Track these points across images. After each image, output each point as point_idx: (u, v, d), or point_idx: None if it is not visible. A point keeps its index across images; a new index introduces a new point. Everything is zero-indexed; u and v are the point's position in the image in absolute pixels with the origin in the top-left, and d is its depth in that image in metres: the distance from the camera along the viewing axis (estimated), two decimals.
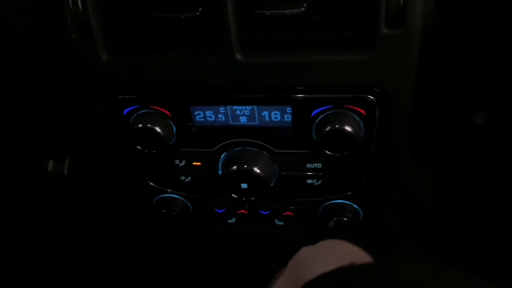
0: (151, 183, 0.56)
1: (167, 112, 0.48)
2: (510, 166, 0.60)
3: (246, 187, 0.51)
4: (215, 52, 0.43)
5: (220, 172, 0.52)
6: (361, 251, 0.42)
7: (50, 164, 0.62)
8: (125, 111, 0.49)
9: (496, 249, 0.66)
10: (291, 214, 0.57)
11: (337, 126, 0.45)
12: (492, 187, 0.63)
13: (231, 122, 0.49)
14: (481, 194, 0.64)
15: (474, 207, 0.66)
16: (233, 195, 0.52)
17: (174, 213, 0.57)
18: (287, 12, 0.41)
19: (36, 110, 0.55)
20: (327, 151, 0.47)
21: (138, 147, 0.50)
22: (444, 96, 0.55)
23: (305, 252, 0.43)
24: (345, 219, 0.54)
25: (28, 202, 0.64)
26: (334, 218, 0.54)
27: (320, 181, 0.52)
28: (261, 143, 0.50)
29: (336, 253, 0.42)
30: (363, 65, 0.42)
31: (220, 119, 0.49)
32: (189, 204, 0.58)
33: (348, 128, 0.45)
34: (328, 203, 0.54)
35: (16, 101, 0.54)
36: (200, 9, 0.42)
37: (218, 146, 0.51)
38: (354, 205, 0.54)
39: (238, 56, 0.43)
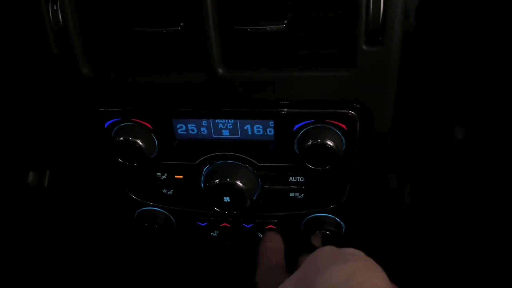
0: (133, 196, 0.56)
1: (148, 125, 0.48)
2: (489, 179, 0.61)
3: (229, 200, 0.50)
4: (197, 68, 0.43)
5: (202, 185, 0.52)
6: (386, 280, 0.37)
7: (30, 176, 0.61)
8: (107, 124, 0.48)
9: (475, 260, 0.67)
10: (274, 227, 0.57)
11: (318, 140, 0.45)
12: (472, 200, 0.64)
13: (213, 136, 0.49)
14: (461, 206, 0.65)
15: (454, 219, 0.67)
16: (215, 208, 0.52)
17: (156, 226, 0.56)
18: (268, 28, 0.41)
19: (16, 121, 0.54)
20: (309, 165, 0.47)
21: (119, 160, 0.49)
22: (424, 111, 0.56)
23: (323, 259, 0.38)
24: (328, 232, 0.54)
25: (6, 214, 0.63)
26: (317, 232, 0.54)
27: (302, 195, 0.52)
28: (244, 156, 0.50)
29: (356, 273, 0.35)
30: (344, 81, 0.43)
31: (202, 132, 0.49)
32: (171, 217, 0.57)
33: (329, 143, 0.45)
34: (311, 216, 0.55)
35: None
36: (181, 24, 0.42)
37: (201, 159, 0.51)
38: (337, 219, 0.54)
39: (220, 71, 0.43)
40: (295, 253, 0.62)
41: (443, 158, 0.60)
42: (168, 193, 0.54)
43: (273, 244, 0.53)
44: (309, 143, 0.45)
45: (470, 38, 0.48)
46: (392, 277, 0.67)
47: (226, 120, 0.48)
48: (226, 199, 0.50)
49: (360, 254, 0.39)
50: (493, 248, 0.65)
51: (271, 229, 0.57)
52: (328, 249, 0.39)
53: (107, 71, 0.45)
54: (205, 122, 0.48)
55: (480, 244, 0.66)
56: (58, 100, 0.50)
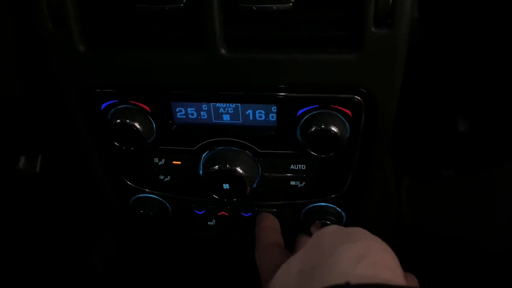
0: (128, 182, 0.54)
1: (147, 107, 0.46)
2: (488, 176, 0.60)
3: (228, 187, 0.49)
4: (198, 47, 0.42)
5: (201, 172, 0.50)
6: (397, 261, 0.35)
7: (22, 161, 0.59)
8: (103, 106, 0.47)
9: (471, 260, 0.66)
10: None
11: (322, 126, 0.44)
12: (468, 199, 0.63)
13: (213, 120, 0.48)
14: (458, 206, 0.64)
15: (451, 218, 0.66)
16: (214, 195, 0.50)
17: (151, 214, 0.54)
18: (274, 7, 0.39)
19: (6, 104, 0.52)
20: (312, 152, 0.46)
21: (115, 143, 0.48)
22: (427, 100, 0.55)
23: (330, 238, 0.36)
24: (328, 222, 0.52)
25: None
26: (317, 221, 0.53)
27: (303, 183, 0.51)
28: (245, 142, 0.48)
29: (368, 254, 0.33)
30: (350, 64, 0.41)
31: (202, 117, 0.47)
32: (168, 205, 0.56)
33: (334, 129, 0.44)
34: (311, 205, 0.53)
35: None
36: (184, 0, 0.40)
37: (200, 144, 0.49)
38: (338, 208, 0.53)
39: (223, 52, 0.42)
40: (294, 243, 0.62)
41: (442, 156, 0.59)
42: (165, 179, 0.53)
43: (269, 223, 0.52)
44: (313, 129, 0.44)
45: (472, 32, 0.47)
46: None
47: (227, 104, 0.46)
48: (226, 186, 0.49)
49: (369, 233, 0.37)
50: (489, 249, 0.65)
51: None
52: (335, 228, 0.37)
53: (104, 50, 0.43)
54: (205, 106, 0.47)
55: (476, 245, 0.65)
56: (51, 81, 0.48)
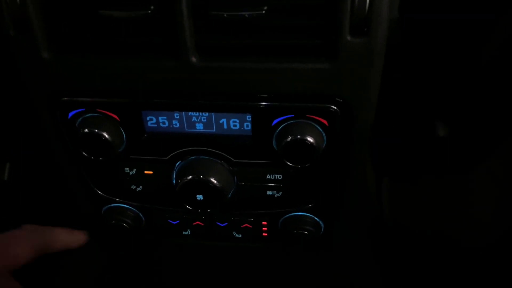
0: (99, 192, 0.52)
1: (116, 116, 0.44)
2: (466, 178, 0.60)
3: (202, 198, 0.47)
4: (168, 55, 0.40)
5: (174, 182, 0.49)
6: None
7: None
8: (70, 114, 0.45)
9: (451, 259, 0.66)
10: (249, 226, 0.54)
11: (298, 136, 0.42)
12: (447, 199, 0.63)
13: (186, 129, 0.46)
14: (437, 206, 0.64)
15: (430, 218, 0.66)
16: (187, 206, 0.49)
17: (124, 224, 0.53)
18: (246, 14, 0.38)
19: None
20: (288, 163, 0.44)
21: (84, 153, 0.46)
22: (406, 105, 0.54)
23: None
24: (306, 232, 0.51)
25: None
26: (295, 231, 0.52)
27: (280, 193, 0.50)
28: (219, 152, 0.47)
29: None
30: (326, 74, 0.40)
31: (174, 126, 0.46)
32: (141, 215, 0.54)
33: (310, 139, 0.42)
34: (288, 215, 0.52)
35: None
36: (152, 7, 0.38)
37: (172, 154, 0.47)
38: (316, 218, 0.52)
39: (194, 60, 0.40)
40: (272, 253, 0.61)
41: (421, 159, 0.59)
42: (137, 189, 0.51)
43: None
44: (288, 139, 0.43)
45: (453, 35, 0.46)
46: (368, 278, 0.65)
47: (200, 113, 0.45)
48: (199, 197, 0.47)
49: None
50: (466, 246, 0.65)
51: (246, 228, 0.54)
52: None
53: (69, 56, 0.41)
54: (177, 114, 0.45)
55: (455, 244, 0.65)
56: (18, 87, 0.46)
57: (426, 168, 0.60)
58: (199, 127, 0.46)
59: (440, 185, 0.63)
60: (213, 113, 0.45)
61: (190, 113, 0.45)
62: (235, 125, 0.45)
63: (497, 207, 0.60)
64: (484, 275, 0.64)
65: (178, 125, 0.46)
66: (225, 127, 0.45)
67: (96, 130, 0.44)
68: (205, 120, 0.45)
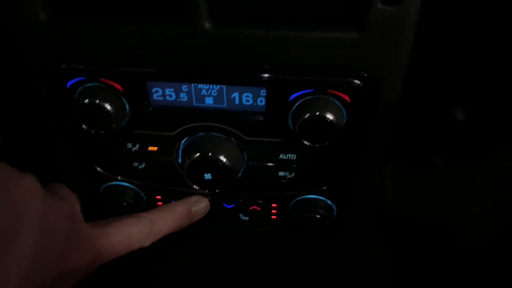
0: (98, 169, 0.49)
1: (119, 87, 0.41)
2: (478, 167, 0.58)
3: (210, 178, 0.44)
4: (179, 20, 0.36)
5: (180, 160, 0.45)
6: None
7: None
8: (69, 84, 0.41)
9: (450, 249, 0.65)
10: (258, 208, 0.51)
11: (317, 113, 0.39)
12: (450, 191, 0.61)
13: (194, 104, 0.43)
14: (440, 196, 0.62)
15: (432, 208, 0.64)
16: (194, 186, 0.45)
17: (124, 203, 0.49)
18: None
19: None
20: (304, 142, 0.41)
21: (83, 127, 0.42)
22: (425, 86, 0.51)
23: None
24: (318, 216, 0.49)
25: None
26: (306, 215, 0.49)
27: (293, 174, 0.47)
28: (229, 128, 0.43)
29: None
30: (351, 45, 0.37)
31: (182, 99, 0.42)
32: (142, 194, 0.51)
33: (329, 116, 0.39)
34: (299, 198, 0.49)
35: None
36: None
37: (179, 130, 0.44)
38: (328, 201, 0.49)
39: (207, 26, 0.36)
40: (281, 238, 0.58)
41: (434, 144, 0.56)
42: (140, 167, 0.48)
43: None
44: (306, 116, 0.39)
45: (484, 12, 0.43)
46: (378, 264, 0.63)
47: (211, 86, 0.41)
48: (207, 176, 0.44)
49: None
50: (468, 242, 0.63)
51: (254, 210, 0.51)
52: None
53: (70, 18, 0.37)
54: (186, 87, 0.41)
55: (453, 238, 0.64)
56: (13, 54, 0.42)
57: (437, 154, 0.58)
58: (209, 101, 0.42)
59: (448, 174, 0.61)
60: (224, 86, 0.41)
61: (199, 85, 0.41)
62: (247, 100, 0.42)
63: (498, 204, 0.58)
64: (478, 273, 0.63)
65: (186, 99, 0.42)
66: (237, 102, 0.42)
67: (97, 101, 0.40)
68: (216, 94, 0.42)
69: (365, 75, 0.39)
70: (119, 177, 0.49)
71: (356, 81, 0.39)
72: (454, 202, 0.62)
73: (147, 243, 0.40)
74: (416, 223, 0.65)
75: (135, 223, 0.39)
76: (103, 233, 0.36)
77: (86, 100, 0.40)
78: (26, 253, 0.28)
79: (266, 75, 0.39)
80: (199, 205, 0.47)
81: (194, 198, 0.47)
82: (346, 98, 0.40)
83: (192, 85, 0.41)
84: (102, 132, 0.42)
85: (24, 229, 0.28)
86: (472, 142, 0.54)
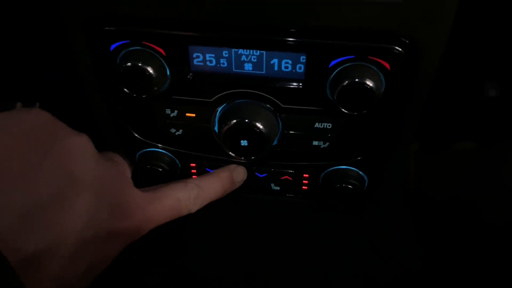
0: (136, 135, 0.50)
1: (161, 50, 0.41)
2: (506, 148, 0.58)
3: (246, 144, 0.45)
4: None
5: (216, 126, 0.46)
6: None
7: (18, 107, 0.54)
8: (112, 47, 0.42)
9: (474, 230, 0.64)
10: (289, 178, 0.52)
11: (357, 80, 0.39)
12: (482, 169, 0.61)
13: (234, 70, 0.43)
14: (469, 174, 0.62)
15: (459, 187, 0.64)
16: (230, 153, 0.46)
17: (160, 169, 0.50)
18: None
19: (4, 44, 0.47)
20: (342, 109, 0.41)
21: (125, 90, 0.43)
22: (457, 61, 0.51)
23: None
24: (350, 186, 0.49)
25: None
26: (337, 185, 0.49)
27: (327, 144, 0.47)
28: (267, 95, 0.44)
29: None
30: (394, 8, 0.37)
31: (221, 65, 0.43)
32: (177, 161, 0.51)
33: (369, 83, 0.39)
34: (332, 168, 0.50)
35: None
36: None
37: (217, 96, 0.45)
38: (360, 172, 0.50)
39: None
40: (310, 209, 0.59)
41: (462, 124, 0.56)
42: (177, 133, 0.48)
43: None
44: (346, 83, 0.40)
45: None
46: (404, 238, 0.63)
47: (251, 52, 0.42)
48: (243, 142, 0.45)
49: None
50: (493, 223, 0.63)
51: (286, 180, 0.52)
52: None
53: None
54: (226, 52, 0.42)
55: (482, 217, 0.64)
56: (54, 16, 0.43)
57: (465, 134, 0.58)
58: (248, 67, 0.43)
59: (474, 154, 0.60)
60: (264, 52, 0.41)
61: (239, 51, 0.42)
62: (286, 67, 0.42)
63: None
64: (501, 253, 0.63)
65: (225, 65, 0.43)
66: (276, 68, 0.42)
67: (140, 64, 0.41)
68: (255, 60, 0.42)
69: (407, 41, 0.39)
70: (155, 144, 0.50)
71: (398, 48, 0.39)
72: (482, 182, 0.61)
73: (194, 208, 0.40)
74: (441, 201, 0.65)
75: (182, 188, 0.40)
76: (153, 197, 0.37)
77: (129, 63, 0.41)
78: (80, 211, 0.29)
79: (307, 40, 0.40)
80: (239, 171, 0.48)
81: (233, 166, 0.48)
82: (386, 65, 0.40)
83: (233, 50, 0.42)
84: (143, 95, 0.43)
85: (78, 186, 0.29)
86: (504, 121, 0.53)
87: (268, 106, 0.45)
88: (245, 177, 0.49)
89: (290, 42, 0.40)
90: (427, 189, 0.65)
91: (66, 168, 0.29)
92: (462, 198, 0.64)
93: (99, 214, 0.30)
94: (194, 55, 0.42)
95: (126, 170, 0.37)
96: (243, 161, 0.50)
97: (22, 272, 0.24)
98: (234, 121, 0.44)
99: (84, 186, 0.29)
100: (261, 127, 0.44)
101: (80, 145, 0.31)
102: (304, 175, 0.51)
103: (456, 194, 0.64)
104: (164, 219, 0.38)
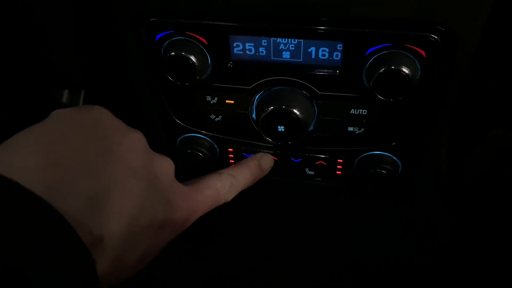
0: (177, 121, 0.52)
1: (204, 40, 0.43)
2: None
3: (283, 130, 0.47)
4: None
5: (254, 113, 0.48)
6: None
7: (65, 95, 0.58)
8: (158, 37, 0.44)
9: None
10: (324, 163, 0.53)
11: (393, 67, 0.40)
12: None
13: (272, 58, 0.45)
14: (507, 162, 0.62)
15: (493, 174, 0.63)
16: (267, 138, 0.48)
17: (200, 153, 0.53)
18: None
19: (51, 33, 0.50)
20: (378, 95, 0.43)
21: (169, 78, 0.45)
22: (500, 48, 0.51)
23: None
24: (384, 171, 0.50)
25: None
26: (371, 170, 0.51)
27: (362, 129, 0.48)
28: (304, 83, 0.45)
29: None
30: None
31: (260, 53, 0.44)
32: (216, 146, 0.54)
33: (405, 70, 0.40)
34: (366, 154, 0.51)
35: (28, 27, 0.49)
36: None
37: (256, 83, 0.46)
38: (394, 157, 0.51)
39: None
40: (344, 194, 0.60)
41: (495, 111, 0.56)
42: (216, 119, 0.51)
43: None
44: (382, 70, 0.41)
45: None
46: (438, 223, 0.64)
47: (289, 40, 0.43)
48: (280, 128, 0.47)
49: None
50: None
51: (320, 165, 0.53)
52: None
53: None
54: (265, 41, 0.44)
55: None
56: (103, 8, 0.45)
57: (498, 121, 0.57)
58: (286, 55, 0.44)
59: (507, 141, 0.60)
60: (302, 40, 0.43)
61: (278, 40, 0.43)
62: (324, 55, 0.44)
63: None
64: None
65: (264, 53, 0.44)
66: (313, 56, 0.44)
67: (183, 53, 0.43)
68: (293, 48, 0.44)
69: (443, 29, 0.39)
70: (195, 129, 0.52)
71: (434, 36, 0.40)
72: None
73: (230, 196, 0.43)
74: (474, 187, 0.65)
75: (218, 178, 0.42)
76: (195, 189, 0.39)
77: (173, 53, 0.43)
78: (136, 200, 0.31)
79: (344, 28, 0.41)
80: (266, 159, 0.50)
81: (260, 154, 0.51)
82: (422, 53, 0.41)
83: (271, 39, 0.43)
84: (186, 83, 0.45)
85: (134, 178, 0.31)
86: None
87: (305, 92, 0.46)
88: (272, 164, 0.51)
89: (328, 31, 0.41)
90: (461, 176, 0.66)
91: (124, 161, 0.31)
92: (496, 184, 0.64)
93: (153, 204, 0.33)
94: (234, 44, 0.44)
95: (172, 165, 0.39)
96: (279, 146, 0.51)
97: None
98: (272, 107, 0.46)
99: (139, 178, 0.32)
100: (297, 113, 0.45)
101: (136, 140, 0.34)
102: (339, 160, 0.53)
103: (489, 180, 0.64)
104: (206, 210, 0.40)
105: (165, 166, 0.36)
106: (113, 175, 0.30)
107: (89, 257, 0.26)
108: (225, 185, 0.42)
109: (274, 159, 0.53)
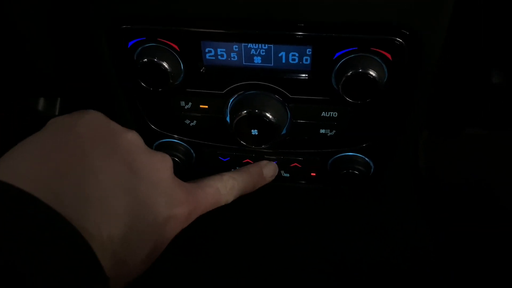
0: (152, 126, 0.53)
1: (176, 46, 0.44)
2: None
3: (257, 133, 0.47)
4: None
5: (228, 117, 0.49)
6: None
7: (41, 103, 0.58)
8: (130, 44, 0.44)
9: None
10: (299, 165, 0.54)
11: (360, 70, 0.42)
12: (492, 154, 0.62)
13: (244, 63, 0.46)
14: (479, 160, 0.63)
15: (470, 172, 0.65)
16: (241, 141, 0.49)
17: (176, 159, 0.53)
18: None
19: (24, 41, 0.50)
20: (347, 98, 0.44)
21: (142, 84, 0.46)
22: (464, 49, 0.52)
23: None
24: (356, 172, 0.51)
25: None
26: (344, 171, 0.52)
27: (333, 131, 0.50)
28: (275, 87, 0.46)
29: None
30: (394, 1, 0.39)
31: (232, 59, 0.45)
32: (192, 151, 0.54)
33: (372, 73, 0.42)
34: (338, 155, 0.52)
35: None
36: None
37: (229, 88, 0.47)
38: (366, 158, 0.52)
39: None
40: (319, 194, 0.61)
41: (468, 111, 0.57)
42: (191, 124, 0.51)
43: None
44: (350, 73, 0.42)
45: None
46: (412, 222, 0.65)
47: (259, 45, 0.44)
48: (254, 131, 0.47)
49: None
50: (504, 206, 0.64)
51: (295, 167, 0.54)
52: None
53: None
54: (236, 47, 0.44)
55: (496, 201, 0.65)
56: (75, 15, 0.45)
57: (473, 121, 0.59)
58: (257, 60, 0.45)
59: (484, 140, 0.62)
60: (272, 46, 0.44)
61: (249, 45, 0.44)
62: (293, 59, 0.45)
63: None
64: None
65: (236, 58, 0.45)
66: (283, 61, 0.45)
67: (155, 60, 0.44)
68: (264, 53, 0.45)
69: (407, 33, 0.41)
70: (170, 134, 0.53)
71: (399, 39, 0.41)
72: (490, 167, 0.63)
73: (230, 198, 0.44)
74: (452, 187, 0.67)
75: (219, 179, 0.43)
76: (197, 186, 0.40)
77: (146, 59, 0.44)
78: (141, 198, 0.32)
79: (312, 34, 0.42)
80: (269, 167, 0.50)
81: (265, 162, 0.51)
82: (388, 56, 0.42)
83: (242, 45, 0.44)
84: (159, 89, 0.46)
85: (137, 177, 0.32)
86: (509, 107, 0.55)
87: (277, 96, 0.47)
88: (276, 173, 0.51)
89: (297, 36, 0.43)
90: (437, 174, 0.67)
91: (126, 162, 0.32)
92: (471, 183, 0.66)
93: (156, 201, 0.33)
94: (206, 50, 0.45)
95: (171, 163, 0.40)
96: (253, 149, 0.52)
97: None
98: (245, 111, 0.46)
99: (142, 176, 0.33)
100: (270, 117, 0.46)
101: (133, 140, 0.35)
102: (312, 162, 0.54)
103: (465, 178, 0.66)
104: (207, 207, 0.41)
105: (165, 162, 0.37)
106: (114, 177, 0.31)
107: (96, 261, 0.26)
108: (226, 186, 0.43)
109: (249, 162, 0.54)
